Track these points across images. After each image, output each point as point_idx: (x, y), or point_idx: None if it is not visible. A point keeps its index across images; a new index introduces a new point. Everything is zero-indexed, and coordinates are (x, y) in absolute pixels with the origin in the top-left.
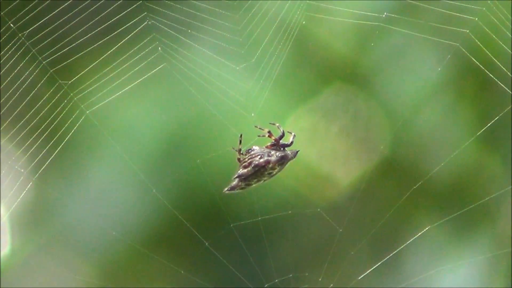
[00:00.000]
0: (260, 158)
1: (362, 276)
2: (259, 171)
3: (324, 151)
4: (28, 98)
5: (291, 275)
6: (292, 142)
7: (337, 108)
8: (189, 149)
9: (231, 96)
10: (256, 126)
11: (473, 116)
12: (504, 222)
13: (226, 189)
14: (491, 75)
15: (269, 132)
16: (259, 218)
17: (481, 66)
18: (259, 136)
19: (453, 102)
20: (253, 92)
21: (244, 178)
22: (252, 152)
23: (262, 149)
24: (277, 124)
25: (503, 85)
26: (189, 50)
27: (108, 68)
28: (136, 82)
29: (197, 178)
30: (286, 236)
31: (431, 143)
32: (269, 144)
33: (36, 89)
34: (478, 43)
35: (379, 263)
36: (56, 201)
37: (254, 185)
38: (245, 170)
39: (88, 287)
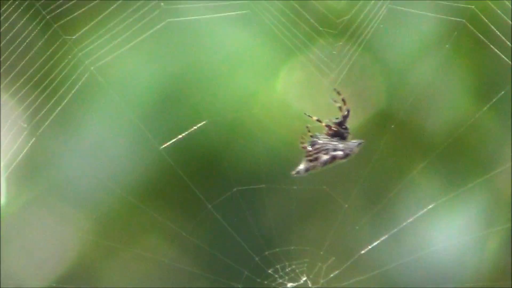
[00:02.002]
0: (326, 153)
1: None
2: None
3: (319, 105)
4: (31, 53)
5: (292, 248)
6: (347, 114)
7: (331, 61)
8: (194, 104)
9: (228, 48)
10: (305, 114)
11: (469, 71)
12: (501, 176)
13: (294, 172)
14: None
15: (317, 119)
16: (263, 186)
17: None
18: (307, 127)
19: (449, 56)
20: (248, 43)
21: (309, 169)
22: (317, 146)
23: (325, 140)
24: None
25: (501, 36)
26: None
27: (112, 23)
28: (139, 39)
29: (201, 135)
30: (288, 206)
31: (427, 97)
32: (327, 130)
33: (40, 44)
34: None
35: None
36: (55, 154)
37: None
38: (312, 164)
39: (83, 240)
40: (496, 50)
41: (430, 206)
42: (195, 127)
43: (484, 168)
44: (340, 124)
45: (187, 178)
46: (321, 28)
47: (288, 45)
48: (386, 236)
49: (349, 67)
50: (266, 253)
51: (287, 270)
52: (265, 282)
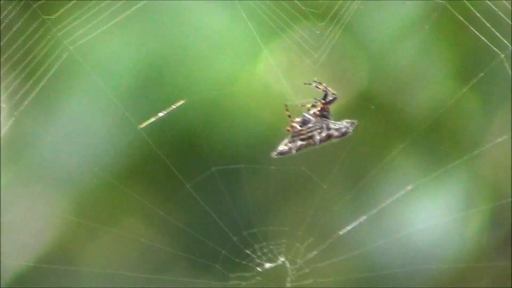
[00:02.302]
0: (321, 132)
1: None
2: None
3: (299, 86)
4: (10, 33)
5: (270, 228)
6: (334, 97)
7: (313, 42)
8: (174, 85)
9: (209, 28)
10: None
11: (450, 52)
12: (482, 157)
13: (275, 153)
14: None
15: (301, 105)
16: (242, 165)
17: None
18: (302, 106)
19: (430, 37)
20: (230, 23)
21: (298, 148)
22: (310, 125)
23: (316, 120)
24: (314, 84)
25: (483, 19)
26: None
27: (91, 3)
28: (119, 18)
29: (179, 115)
30: (267, 186)
31: (407, 78)
32: (316, 110)
33: (19, 24)
34: None
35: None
36: (34, 134)
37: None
38: (305, 142)
39: (63, 220)
40: (475, 31)
41: (409, 187)
42: (174, 106)
43: (465, 149)
44: (326, 104)
45: (165, 157)
46: (304, 8)
47: (271, 25)
48: (365, 217)
49: (331, 48)
50: (244, 233)
51: (265, 250)
52: (243, 262)
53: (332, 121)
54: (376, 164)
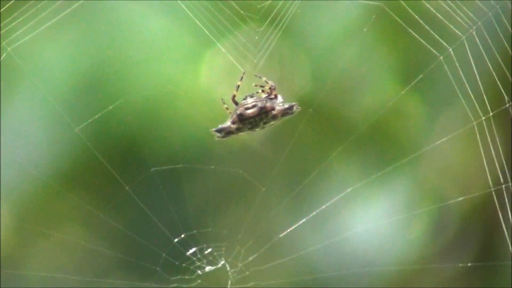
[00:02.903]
0: (266, 102)
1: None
2: (260, 116)
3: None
4: None
5: (210, 229)
6: (273, 91)
7: (253, 47)
8: (111, 87)
9: (148, 32)
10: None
11: (389, 54)
12: (423, 158)
13: (214, 129)
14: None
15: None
16: (180, 165)
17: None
18: (256, 85)
19: (368, 39)
20: (169, 28)
21: (240, 121)
22: (255, 97)
23: (258, 98)
24: (264, 78)
25: (421, 21)
26: None
27: (28, 4)
28: (56, 18)
29: (118, 117)
30: (206, 187)
31: (347, 80)
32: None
33: None
34: None
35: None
36: None
37: (243, 133)
38: (248, 111)
39: (4, 224)
40: (414, 34)
41: (348, 190)
42: (111, 107)
43: (406, 151)
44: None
45: (104, 159)
46: (242, 12)
47: (211, 29)
48: (304, 219)
49: (269, 52)
50: (184, 235)
51: (205, 253)
52: (184, 264)
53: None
54: (315, 166)
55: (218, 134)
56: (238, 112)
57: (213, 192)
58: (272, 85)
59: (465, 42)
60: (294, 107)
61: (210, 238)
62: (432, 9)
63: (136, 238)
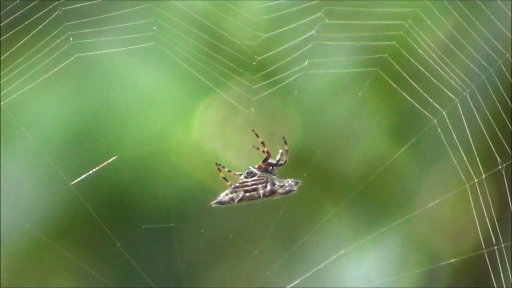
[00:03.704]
0: (265, 186)
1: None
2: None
3: (230, 144)
4: None
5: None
6: (285, 161)
7: (244, 101)
8: (105, 140)
9: (140, 84)
10: (254, 147)
11: (387, 119)
12: (415, 220)
13: (214, 202)
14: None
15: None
16: (172, 225)
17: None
18: (254, 147)
19: (367, 104)
20: (161, 80)
21: (240, 199)
22: (255, 178)
23: (261, 174)
24: (262, 147)
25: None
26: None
27: (21, 59)
28: (49, 73)
29: (110, 172)
30: (197, 247)
31: (341, 137)
32: (261, 162)
33: None
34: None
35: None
36: None
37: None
38: (248, 194)
39: None
40: (410, 99)
41: (342, 252)
42: (105, 163)
43: (399, 211)
44: (269, 164)
45: (96, 215)
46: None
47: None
48: (297, 281)
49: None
50: None
51: None
52: None
53: (277, 178)
54: (310, 227)
55: (218, 205)
56: (240, 194)
57: (204, 250)
58: (287, 149)
59: (459, 105)
60: (294, 190)
61: None
62: (426, 73)
63: None
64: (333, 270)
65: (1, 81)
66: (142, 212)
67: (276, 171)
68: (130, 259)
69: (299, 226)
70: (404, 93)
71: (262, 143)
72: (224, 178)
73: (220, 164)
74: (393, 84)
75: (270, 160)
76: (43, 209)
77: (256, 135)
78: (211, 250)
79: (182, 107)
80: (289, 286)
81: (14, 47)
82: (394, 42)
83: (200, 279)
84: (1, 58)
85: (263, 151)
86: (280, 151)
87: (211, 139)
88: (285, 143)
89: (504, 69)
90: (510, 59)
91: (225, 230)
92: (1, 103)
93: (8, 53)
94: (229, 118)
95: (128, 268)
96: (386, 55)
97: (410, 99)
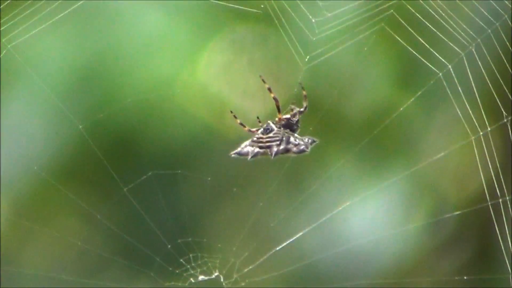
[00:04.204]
0: (279, 144)
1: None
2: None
3: (237, 86)
4: None
5: (205, 240)
6: (305, 107)
7: (249, 43)
8: (112, 84)
9: (148, 28)
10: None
11: (391, 64)
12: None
13: (233, 152)
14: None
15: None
16: (179, 171)
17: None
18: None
19: (370, 51)
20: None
21: (254, 155)
22: (271, 134)
23: (278, 130)
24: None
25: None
26: None
27: (28, 2)
28: (57, 17)
29: (118, 117)
30: (203, 194)
31: (345, 80)
32: (280, 117)
33: None
34: None
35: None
36: None
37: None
38: (262, 151)
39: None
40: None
41: (347, 203)
42: (116, 107)
43: (405, 163)
44: (294, 116)
45: (104, 158)
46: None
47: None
48: (302, 232)
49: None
50: (179, 241)
51: (199, 262)
52: (177, 271)
53: (295, 135)
54: (316, 178)
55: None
56: (255, 149)
57: (211, 197)
58: (306, 106)
59: (464, 59)
60: (309, 148)
61: (205, 245)
62: (431, 27)
63: (131, 241)
64: (338, 222)
65: (8, 24)
66: (150, 158)
67: (299, 124)
68: (136, 204)
69: (305, 177)
70: (410, 48)
71: (269, 89)
72: (241, 123)
73: (233, 113)
74: (400, 39)
75: (286, 115)
76: (50, 150)
77: (263, 80)
78: (218, 195)
79: (188, 49)
80: (294, 237)
81: None
82: None
83: (206, 225)
84: (8, 2)
85: (274, 98)
86: (304, 93)
87: (218, 82)
88: (303, 88)
89: (510, 23)
90: None
91: (231, 179)
92: (9, 46)
93: None
94: (235, 59)
95: (134, 213)
96: (392, 11)
97: (417, 54)
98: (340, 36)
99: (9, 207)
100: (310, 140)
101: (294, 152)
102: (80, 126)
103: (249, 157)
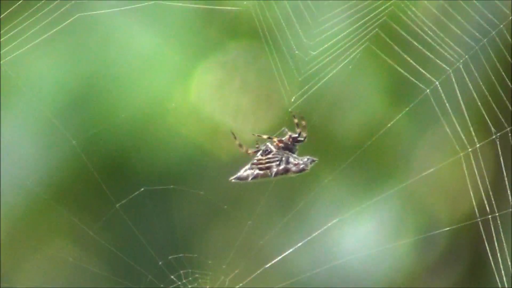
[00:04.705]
0: (279, 165)
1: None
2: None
3: (228, 106)
4: None
5: (196, 255)
6: (305, 138)
7: (241, 63)
8: (106, 101)
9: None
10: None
11: (378, 82)
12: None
13: (233, 178)
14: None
15: (268, 137)
16: (171, 187)
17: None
18: (254, 134)
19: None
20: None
21: (254, 177)
22: (270, 156)
23: (277, 151)
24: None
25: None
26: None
27: (21, 17)
28: (50, 32)
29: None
30: (196, 210)
31: (338, 98)
32: (278, 140)
33: None
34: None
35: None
36: None
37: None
38: (262, 172)
39: None
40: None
41: (337, 220)
42: (107, 123)
43: (395, 179)
44: (294, 140)
45: (97, 174)
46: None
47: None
48: (291, 250)
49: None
50: (170, 257)
51: (190, 278)
52: None
53: (294, 155)
54: (306, 194)
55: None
56: (255, 171)
57: (202, 213)
58: (304, 125)
59: (452, 75)
60: (308, 167)
61: (195, 262)
62: (418, 45)
63: (123, 258)
64: (328, 239)
65: (1, 39)
66: (143, 174)
67: (296, 147)
68: (128, 220)
69: (294, 193)
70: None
71: (304, 125)
72: (240, 144)
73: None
74: (385, 57)
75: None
76: (43, 166)
77: (302, 117)
78: (209, 212)
79: (180, 69)
80: (283, 255)
81: (15, 4)
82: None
83: (197, 241)
84: (1, 16)
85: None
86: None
87: (210, 102)
88: (302, 118)
89: (498, 40)
90: (504, 30)
91: (222, 196)
92: (1, 62)
93: (9, 10)
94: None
95: (126, 230)
96: (377, 29)
97: (403, 71)
98: (329, 51)
99: (3, 222)
100: (309, 160)
101: (294, 172)
102: (74, 142)
103: (250, 179)
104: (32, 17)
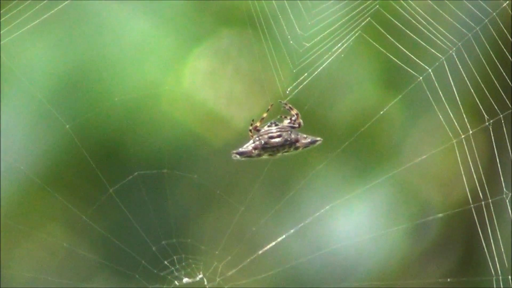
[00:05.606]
0: (290, 134)
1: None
2: (283, 146)
3: (222, 92)
4: None
5: (189, 240)
6: (299, 125)
7: (235, 51)
8: (100, 86)
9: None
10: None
11: (374, 59)
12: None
13: (235, 151)
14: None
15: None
16: (165, 171)
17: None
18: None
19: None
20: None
21: (263, 149)
22: (280, 126)
23: (282, 126)
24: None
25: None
26: None
27: (12, 3)
28: (42, 18)
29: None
30: (189, 195)
31: (331, 84)
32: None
33: None
34: None
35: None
36: None
37: (264, 157)
38: (272, 141)
39: None
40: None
41: (329, 206)
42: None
43: (388, 166)
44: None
45: (91, 159)
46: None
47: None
48: (284, 236)
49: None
50: (164, 242)
51: (183, 263)
52: (162, 273)
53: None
54: (299, 180)
55: (238, 156)
56: (263, 141)
57: (196, 199)
58: (296, 113)
59: (445, 63)
60: (317, 142)
61: (189, 247)
62: (410, 33)
63: (117, 243)
64: (321, 225)
65: None
66: (136, 158)
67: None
68: (121, 205)
69: (287, 179)
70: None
71: (290, 107)
72: (250, 130)
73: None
74: (378, 46)
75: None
76: (37, 150)
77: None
78: (202, 197)
79: (176, 54)
80: (276, 240)
81: None
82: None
83: (190, 226)
84: None
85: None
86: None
87: (203, 88)
88: (291, 108)
89: (491, 28)
90: (497, 17)
91: (216, 180)
92: None
93: None
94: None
95: (120, 215)
96: (369, 18)
97: (395, 60)
98: (323, 41)
99: None
100: (314, 139)
101: (303, 144)
102: (67, 126)
103: (259, 149)
104: (24, 2)
